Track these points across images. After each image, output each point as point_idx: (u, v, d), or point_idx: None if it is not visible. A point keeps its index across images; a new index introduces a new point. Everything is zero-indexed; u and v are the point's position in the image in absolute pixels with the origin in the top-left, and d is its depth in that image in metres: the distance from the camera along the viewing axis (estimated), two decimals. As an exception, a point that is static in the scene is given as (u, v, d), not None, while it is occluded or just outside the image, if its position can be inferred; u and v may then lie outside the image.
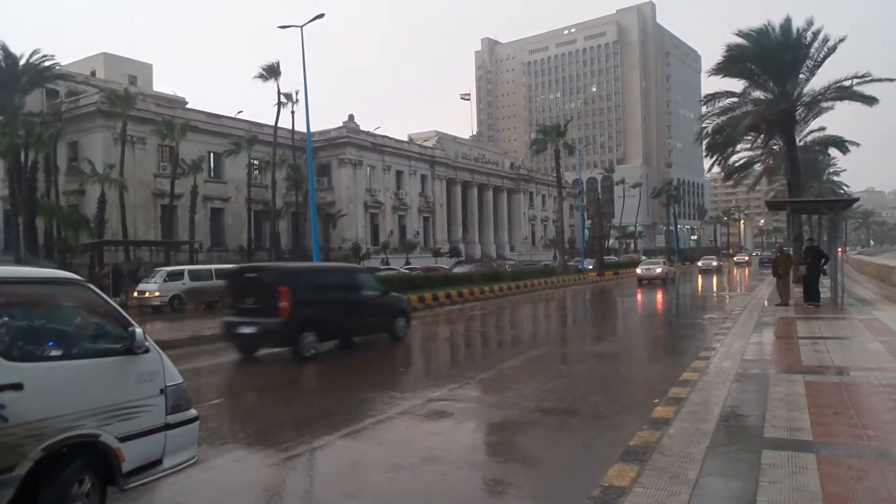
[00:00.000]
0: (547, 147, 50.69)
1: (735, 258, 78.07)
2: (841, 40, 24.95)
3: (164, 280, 25.18)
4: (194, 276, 26.14)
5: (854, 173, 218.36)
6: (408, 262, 46.96)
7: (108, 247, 34.84)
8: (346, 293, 13.86)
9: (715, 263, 54.72)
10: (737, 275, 49.94)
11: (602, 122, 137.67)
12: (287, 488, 5.60)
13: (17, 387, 3.58)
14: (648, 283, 36.08)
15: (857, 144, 31.59)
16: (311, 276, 14.25)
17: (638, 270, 38.43)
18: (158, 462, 4.38)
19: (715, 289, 33.41)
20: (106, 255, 34.78)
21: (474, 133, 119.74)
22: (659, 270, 36.91)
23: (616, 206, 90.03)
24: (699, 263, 55.58)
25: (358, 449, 6.52)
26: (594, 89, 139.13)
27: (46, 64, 35.78)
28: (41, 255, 34.26)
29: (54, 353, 4.03)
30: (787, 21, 25.76)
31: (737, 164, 32.37)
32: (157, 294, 24.74)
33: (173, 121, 37.73)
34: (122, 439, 4.08)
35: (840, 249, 18.99)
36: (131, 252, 36.56)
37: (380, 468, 5.80)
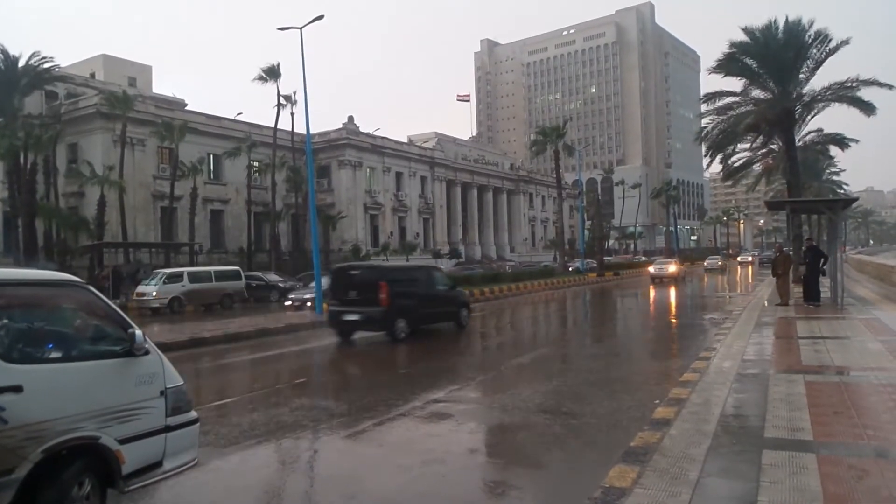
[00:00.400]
0: (546, 148, 50.68)
1: (738, 258, 79.73)
2: (844, 42, 24.99)
3: (164, 282, 25.17)
4: (194, 278, 26.13)
5: (853, 173, 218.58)
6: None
7: (107, 249, 34.84)
8: (426, 288, 16.54)
9: (720, 263, 56.55)
10: (739, 274, 50.38)
11: (601, 122, 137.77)
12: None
13: (17, 389, 3.58)
14: (660, 280, 38.09)
15: (857, 141, 31.61)
16: (401, 273, 17.43)
17: (651, 269, 40.94)
18: (159, 464, 4.38)
19: (716, 288, 33.41)
20: (106, 257, 34.79)
21: (474, 134, 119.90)
22: (671, 270, 39.49)
23: (616, 206, 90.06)
24: (705, 263, 57.23)
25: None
26: (593, 90, 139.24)
27: (46, 66, 35.79)
28: (40, 257, 34.26)
29: (54, 355, 4.03)
30: (794, 21, 25.78)
31: (736, 164, 32.38)
32: (156, 296, 24.76)
33: (173, 122, 37.71)
34: (122, 441, 4.07)
35: (842, 248, 19.00)
36: (131, 254, 36.55)
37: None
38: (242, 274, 28.73)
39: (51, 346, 4.09)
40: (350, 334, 15.30)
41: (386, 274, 16.07)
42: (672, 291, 31.33)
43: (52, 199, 36.44)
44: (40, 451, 3.63)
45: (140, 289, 25.56)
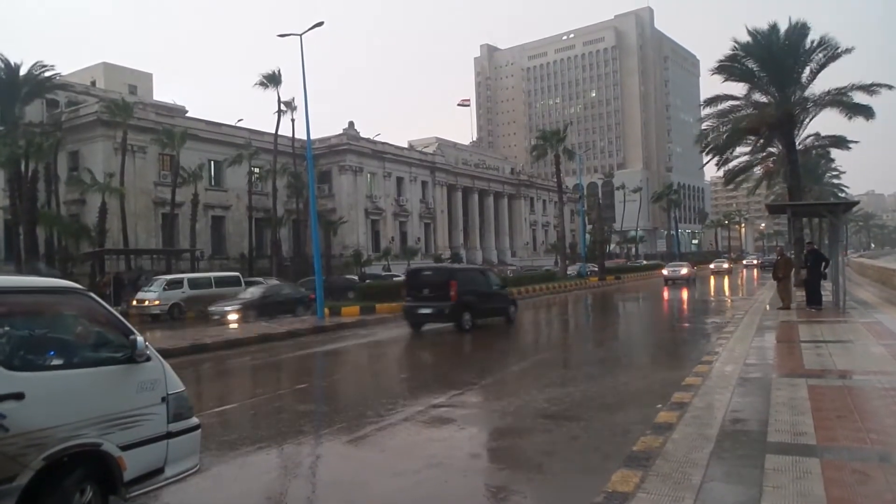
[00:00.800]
0: (547, 152, 50.68)
1: (745, 261, 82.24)
2: (847, 50, 24.97)
3: (164, 288, 25.11)
4: (194, 284, 26.03)
5: (854, 176, 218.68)
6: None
7: (108, 256, 34.86)
8: (484, 287, 19.19)
9: (726, 265, 59.71)
10: (743, 277, 50.77)
11: (602, 126, 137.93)
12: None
13: (19, 396, 3.58)
14: (673, 282, 40.55)
15: (857, 142, 31.67)
16: (465, 273, 19.98)
17: (665, 271, 43.47)
18: (160, 471, 4.37)
19: (719, 292, 33.36)
20: (107, 263, 34.81)
21: (474, 139, 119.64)
22: (683, 272, 41.88)
23: (617, 210, 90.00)
24: (711, 265, 59.75)
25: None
26: (593, 94, 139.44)
27: (47, 74, 35.97)
28: (42, 264, 34.29)
29: (55, 362, 4.03)
30: (796, 25, 25.79)
31: (737, 168, 32.39)
32: (156, 302, 24.72)
33: (173, 129, 37.80)
34: (124, 448, 4.07)
35: (843, 252, 18.99)
36: (132, 261, 36.58)
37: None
38: (242, 280, 28.69)
39: (52, 353, 4.09)
40: (421, 326, 17.96)
41: (454, 274, 18.71)
42: (678, 294, 31.34)
43: (54, 206, 36.52)
44: (42, 458, 3.62)
45: (140, 295, 25.52)
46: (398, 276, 37.66)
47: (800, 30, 25.71)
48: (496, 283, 20.43)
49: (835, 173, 53.98)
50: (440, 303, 17.25)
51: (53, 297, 4.38)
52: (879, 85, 24.64)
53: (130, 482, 4.13)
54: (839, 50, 24.96)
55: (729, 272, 56.96)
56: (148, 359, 4.34)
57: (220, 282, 27.55)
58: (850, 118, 25.26)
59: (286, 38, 22.94)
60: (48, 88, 37.17)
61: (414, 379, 11.86)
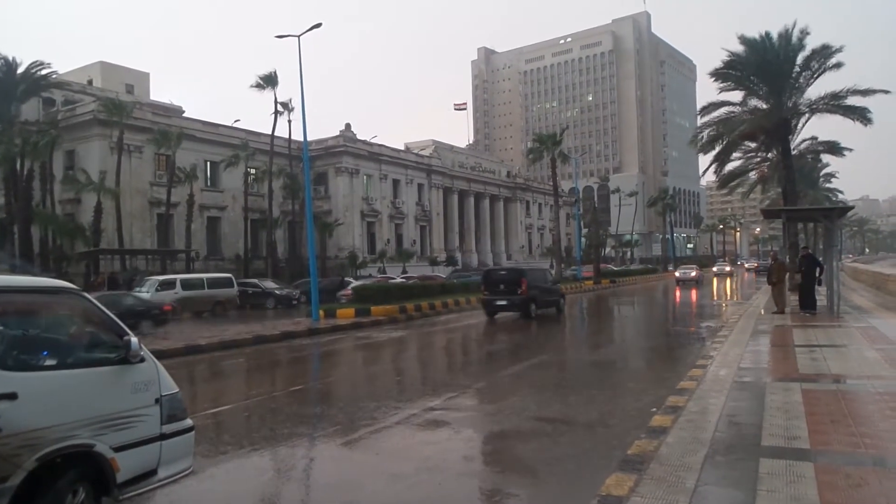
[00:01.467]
0: (543, 156, 50.76)
1: (747, 265, 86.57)
2: (838, 49, 25.06)
3: (156, 289, 24.79)
4: (186, 285, 25.81)
5: (849, 182, 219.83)
6: (404, 271, 46.89)
7: (103, 255, 34.75)
8: (543, 283, 23.96)
9: (728, 269, 65.91)
10: (742, 281, 51.51)
11: (598, 130, 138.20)
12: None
13: (12, 396, 3.56)
14: (684, 283, 45.41)
15: (851, 150, 31.76)
16: (532, 273, 24.20)
17: (676, 273, 49.55)
18: (153, 472, 4.35)
19: (715, 296, 33.45)
20: (102, 263, 34.70)
21: (471, 142, 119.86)
22: (693, 274, 47.72)
23: (612, 214, 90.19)
24: (714, 269, 64.59)
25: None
26: (590, 98, 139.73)
27: (43, 73, 35.86)
28: (36, 263, 34.16)
29: (49, 362, 4.00)
30: (785, 31, 25.91)
31: (733, 173, 32.47)
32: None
33: (170, 130, 37.72)
34: (117, 449, 4.05)
35: (839, 258, 19.04)
36: (127, 261, 36.46)
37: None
38: (235, 281, 28.53)
39: (46, 353, 4.07)
40: (496, 314, 22.28)
41: (525, 274, 22.80)
42: (679, 295, 31.43)
43: (49, 205, 36.38)
44: (34, 459, 3.60)
45: None
46: (393, 278, 37.69)
47: (791, 37, 25.79)
48: (551, 280, 26.11)
49: (829, 176, 54.27)
50: (512, 296, 21.70)
51: (47, 296, 4.36)
52: (875, 90, 24.72)
53: (124, 484, 4.11)
54: (833, 55, 25.06)
55: (731, 275, 61.83)
56: (142, 360, 4.33)
57: (213, 283, 27.45)
58: (854, 121, 25.22)
59: (284, 39, 22.94)
60: (45, 87, 37.07)
61: (412, 381, 11.85)
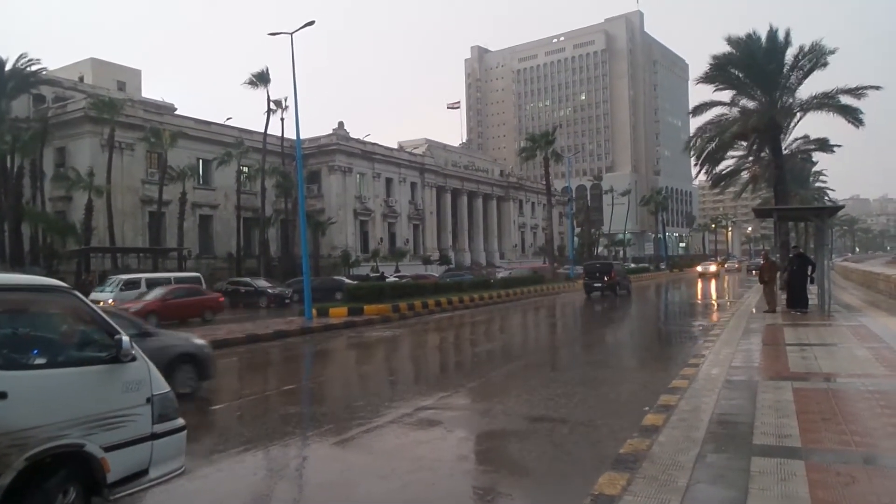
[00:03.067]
0: (536, 154, 50.84)
1: (747, 264, 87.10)
2: (831, 52, 25.14)
3: (120, 289, 23.57)
4: (152, 284, 24.00)
5: (839, 181, 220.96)
6: (397, 270, 46.87)
7: (94, 254, 34.53)
8: (622, 272, 34.94)
9: (737, 265, 72.05)
10: (733, 279, 51.67)
11: (591, 129, 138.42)
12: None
13: (1, 395, 3.53)
14: (705, 276, 55.23)
15: (840, 146, 31.91)
16: (616, 265, 37.16)
17: (699, 268, 61.05)
18: (144, 472, 4.32)
19: (705, 295, 33.61)
20: (93, 262, 34.50)
21: (464, 140, 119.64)
22: (713, 269, 60.01)
23: (605, 213, 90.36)
24: (698, 268, 63.82)
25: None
26: (583, 97, 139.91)
27: (33, 69, 35.64)
28: (27, 261, 33.95)
29: (39, 361, 3.97)
30: (774, 31, 25.99)
31: (724, 172, 32.55)
32: (111, 304, 21.88)
33: (162, 127, 37.54)
34: (108, 449, 4.02)
35: (830, 257, 19.11)
36: (119, 259, 36.27)
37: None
38: (203, 280, 27.27)
39: (36, 352, 4.04)
40: (592, 293, 32.09)
41: (612, 266, 35.37)
42: (682, 293, 31.60)
43: (39, 203, 36.14)
44: (24, 458, 3.57)
45: (94, 296, 23.02)
46: (387, 276, 37.63)
47: (779, 36, 25.89)
48: (626, 271, 39.50)
49: (820, 175, 54.56)
50: (605, 281, 31.97)
51: (38, 295, 4.33)
52: (866, 87, 24.81)
53: (114, 484, 4.09)
54: (824, 55, 25.14)
55: (739, 270, 69.00)
56: (133, 359, 4.30)
57: (181, 282, 25.37)
58: (847, 121, 25.27)
59: (278, 37, 22.84)
60: (34, 83, 36.85)
61: (405, 380, 11.85)
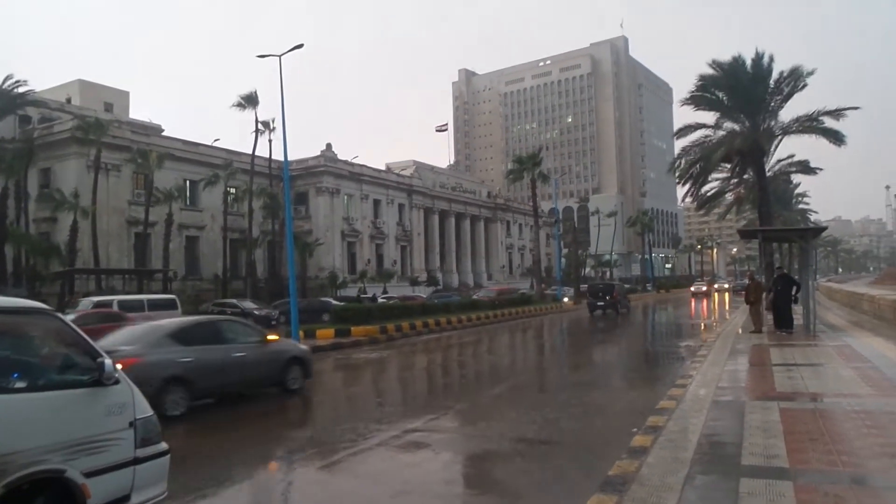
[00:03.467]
0: (523, 176, 51.17)
1: (715, 285, 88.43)
2: (810, 73, 25.68)
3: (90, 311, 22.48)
4: (124, 306, 23.30)
5: (822, 203, 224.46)
6: (385, 291, 46.70)
7: (79, 275, 34.16)
8: (622, 292, 37.91)
9: (727, 286, 75.19)
10: (721, 298, 52.21)
11: (577, 151, 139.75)
12: None
13: (-21, 420, 3.46)
14: (697, 295, 59.33)
15: (821, 169, 32.42)
16: (618, 285, 40.09)
17: (692, 288, 66.09)
18: (126, 498, 4.23)
19: (694, 315, 33.77)
20: (77, 283, 34.12)
21: (452, 162, 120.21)
22: (704, 288, 64.84)
23: (592, 234, 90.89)
24: (714, 286, 71.78)
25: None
26: (569, 120, 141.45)
27: (20, 90, 35.47)
28: (9, 283, 33.50)
29: (19, 384, 3.90)
30: (757, 55, 26.48)
31: (709, 194, 32.91)
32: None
33: (149, 149, 37.43)
34: (89, 475, 3.94)
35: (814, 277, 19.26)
36: (103, 281, 35.89)
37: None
38: (178, 302, 26.41)
39: (16, 375, 3.96)
40: (595, 311, 34.19)
41: (615, 286, 37.70)
42: (661, 314, 31.75)
43: (23, 224, 35.78)
44: (1, 485, 3.49)
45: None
46: (379, 297, 37.44)
47: (763, 61, 26.39)
48: (625, 291, 41.96)
49: (803, 196, 55.30)
50: (608, 301, 34.27)
51: (19, 317, 4.26)
52: (845, 109, 25.36)
53: (94, 510, 3.99)
54: (804, 78, 25.68)
55: (729, 290, 70.77)
56: (116, 382, 4.24)
57: (154, 305, 24.75)
58: (829, 141, 25.79)
59: (266, 59, 22.93)
60: (21, 104, 36.65)
61: (392, 402, 11.75)
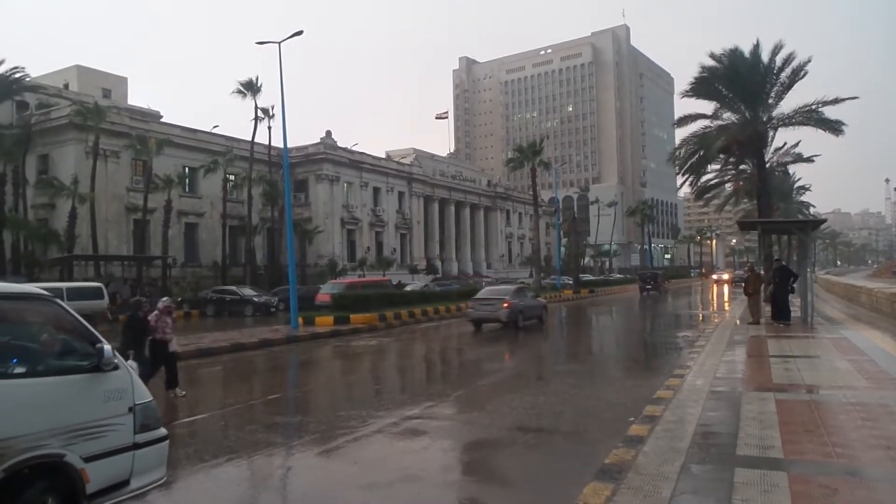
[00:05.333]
0: (523, 165, 51.07)
1: (732, 276, 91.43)
2: (808, 61, 25.55)
3: None
4: (75, 294, 22.05)
5: (821, 196, 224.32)
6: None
7: (77, 262, 34.13)
8: (661, 278, 50.08)
9: (726, 276, 75.39)
10: (721, 290, 51.92)
11: (578, 141, 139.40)
12: None
13: (-21, 405, 3.47)
14: (718, 282, 65.50)
15: (819, 155, 32.42)
16: (659, 274, 51.30)
17: (714, 276, 75.08)
18: (126, 483, 4.26)
19: (692, 306, 33.85)
20: (76, 270, 34.09)
21: (452, 151, 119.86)
22: (726, 276, 70.64)
23: (591, 224, 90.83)
24: (713, 276, 77.91)
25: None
26: (570, 109, 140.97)
27: (17, 75, 35.26)
28: (8, 269, 33.50)
29: (18, 370, 3.91)
30: (756, 45, 26.37)
31: (708, 184, 32.91)
32: None
33: (147, 135, 37.29)
34: (88, 459, 3.96)
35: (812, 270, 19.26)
36: (102, 267, 35.88)
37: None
38: (105, 291, 25.19)
39: (15, 360, 3.97)
40: (644, 292, 43.51)
41: (658, 274, 49.68)
42: (678, 301, 31.83)
43: (21, 210, 35.71)
44: (1, 469, 3.51)
45: None
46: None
47: (765, 53, 26.30)
48: (665, 277, 52.27)
49: (802, 189, 55.21)
50: (652, 284, 44.37)
51: (18, 303, 4.27)
52: (843, 99, 25.31)
53: (94, 494, 4.02)
54: (801, 64, 25.56)
55: (728, 282, 72.07)
56: (115, 367, 4.25)
57: (75, 293, 22.42)
58: (825, 131, 25.81)
59: (266, 46, 22.85)
60: (18, 90, 36.43)
61: (390, 389, 11.80)
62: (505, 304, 20.50)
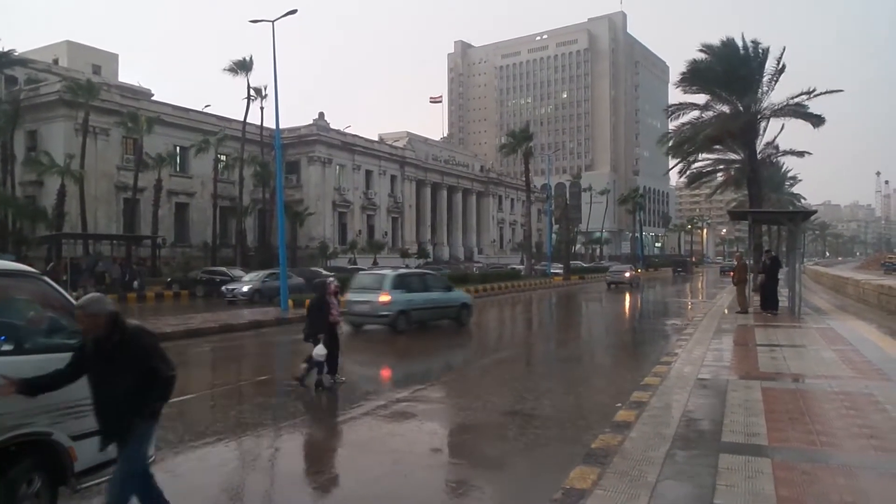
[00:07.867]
0: (517, 151, 50.98)
1: (720, 266, 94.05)
2: (783, 54, 25.88)
3: None
4: None
5: (811, 187, 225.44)
6: (375, 263, 46.71)
7: (66, 240, 33.85)
8: (688, 266, 71.71)
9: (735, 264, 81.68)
10: (708, 280, 52.19)
11: (571, 128, 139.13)
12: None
13: (-34, 382, 3.45)
14: (726, 273, 59.54)
15: (810, 153, 32.55)
16: (686, 260, 76.05)
17: (721, 266, 74.68)
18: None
19: (681, 294, 34.05)
20: (64, 248, 33.82)
21: (445, 135, 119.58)
22: (735, 264, 66.76)
23: (583, 211, 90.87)
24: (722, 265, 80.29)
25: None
26: (565, 95, 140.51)
27: (4, 49, 34.75)
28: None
29: (5, 347, 3.88)
30: (749, 39, 26.48)
31: (699, 173, 32.97)
32: None
33: (138, 113, 36.89)
34: (76, 438, 3.95)
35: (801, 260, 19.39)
36: (91, 246, 35.62)
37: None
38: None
39: (3, 338, 3.95)
40: (675, 274, 62.31)
41: (687, 261, 74.13)
42: (648, 293, 32.02)
43: (9, 187, 35.32)
44: (-12, 446, 3.50)
45: None
46: (363, 269, 37.38)
47: (756, 44, 26.37)
48: (690, 263, 73.27)
49: (793, 181, 55.45)
50: (682, 268, 65.50)
51: (5, 280, 4.23)
52: (826, 92, 25.55)
53: (81, 473, 4.02)
54: (780, 55, 25.84)
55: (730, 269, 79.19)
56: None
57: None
58: (806, 121, 26.08)
59: (259, 25, 22.57)
60: (5, 63, 35.89)
61: (379, 372, 11.83)
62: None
